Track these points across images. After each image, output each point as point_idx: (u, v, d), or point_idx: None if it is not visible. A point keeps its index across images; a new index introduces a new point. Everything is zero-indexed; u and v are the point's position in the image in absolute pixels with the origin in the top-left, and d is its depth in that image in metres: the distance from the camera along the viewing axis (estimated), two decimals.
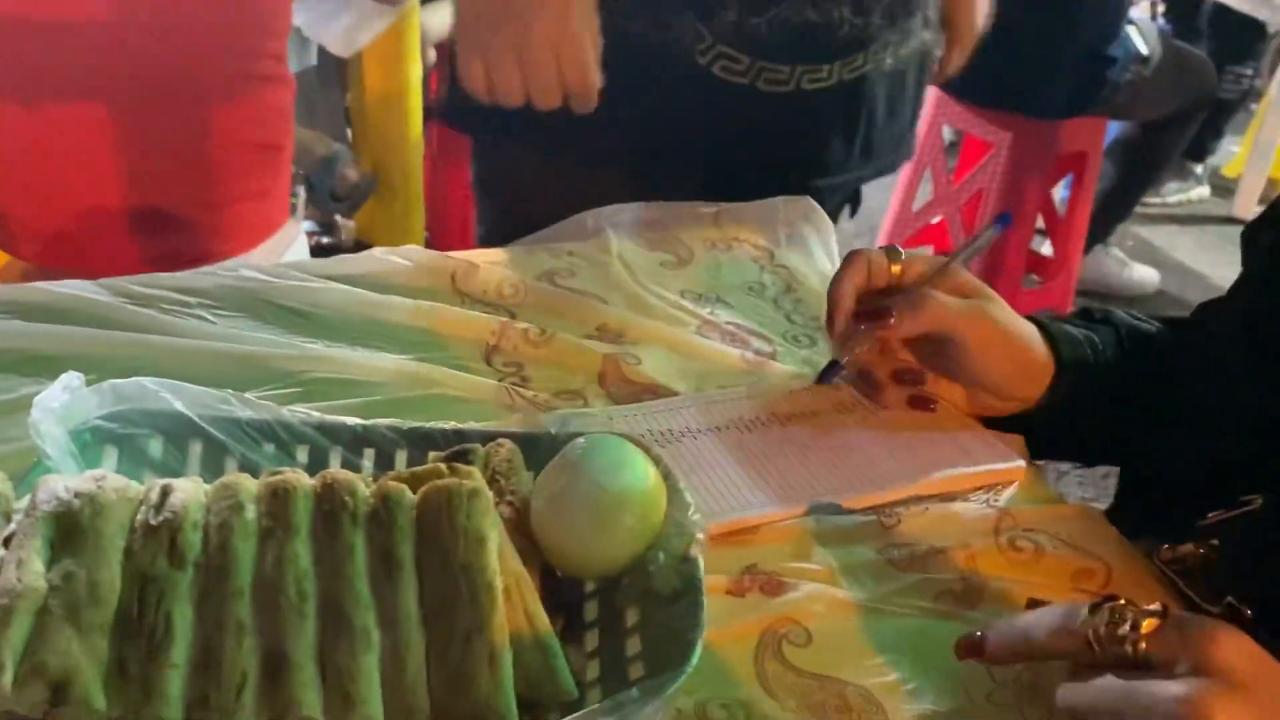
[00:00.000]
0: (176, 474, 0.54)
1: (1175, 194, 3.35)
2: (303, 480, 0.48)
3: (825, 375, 0.73)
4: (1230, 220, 3.37)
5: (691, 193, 0.94)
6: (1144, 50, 2.21)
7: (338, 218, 2.68)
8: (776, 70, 0.94)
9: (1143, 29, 2.25)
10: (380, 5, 1.79)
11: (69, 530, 0.44)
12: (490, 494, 0.49)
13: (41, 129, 1.18)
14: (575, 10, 0.82)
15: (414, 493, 0.49)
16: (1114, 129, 2.57)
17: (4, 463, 0.53)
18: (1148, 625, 0.45)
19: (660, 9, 0.91)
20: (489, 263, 0.84)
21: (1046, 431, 0.71)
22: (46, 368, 0.65)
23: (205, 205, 1.32)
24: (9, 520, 0.46)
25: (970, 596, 0.58)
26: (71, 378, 0.53)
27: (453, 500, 0.47)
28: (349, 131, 2.38)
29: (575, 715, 0.41)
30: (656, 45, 0.91)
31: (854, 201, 1.15)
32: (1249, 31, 2.66)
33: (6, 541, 0.45)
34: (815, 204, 0.93)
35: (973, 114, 2.41)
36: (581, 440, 0.52)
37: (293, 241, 1.51)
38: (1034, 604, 0.52)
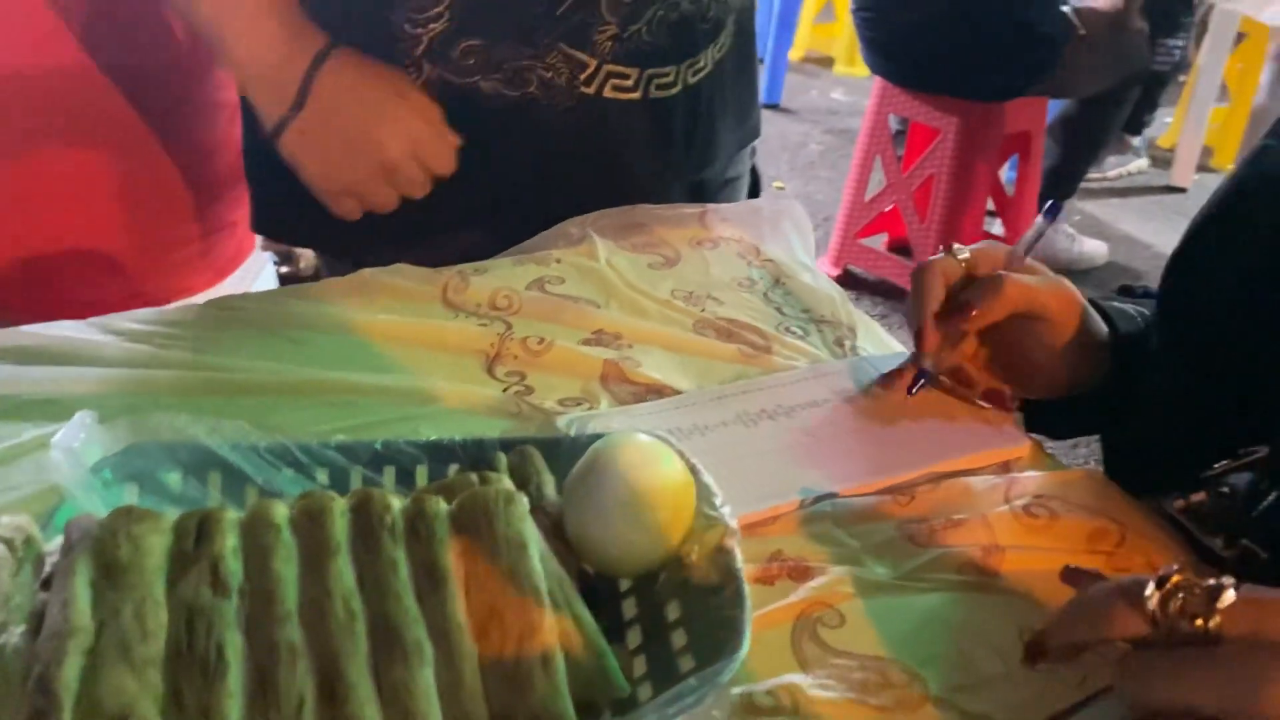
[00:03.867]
0: (198, 505, 0.54)
1: (1115, 167, 3.42)
2: (336, 500, 0.48)
3: (913, 386, 0.70)
4: (1170, 189, 3.45)
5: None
6: (1081, 28, 2.26)
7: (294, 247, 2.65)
8: (664, 73, 0.90)
9: (1078, 6, 2.30)
10: None
11: (109, 567, 0.43)
12: (525, 499, 0.49)
13: None
14: (413, 111, 0.84)
15: (447, 504, 0.49)
16: (1054, 107, 2.63)
17: (18, 507, 0.52)
18: (1224, 600, 0.42)
19: (519, 53, 0.85)
20: (479, 275, 0.84)
21: (1083, 406, 0.71)
22: (47, 411, 0.65)
23: (170, 243, 1.30)
24: (42, 563, 0.45)
25: (993, 564, 0.60)
26: (85, 416, 0.53)
27: (490, 508, 0.48)
28: None
29: (640, 709, 0.41)
30: (525, 97, 0.86)
31: (754, 184, 1.10)
32: (1178, 4, 2.73)
33: (45, 584, 0.44)
34: (796, 204, 0.94)
35: (917, 101, 2.45)
36: (607, 439, 0.53)
37: (260, 271, 1.49)
38: (1072, 573, 0.52)
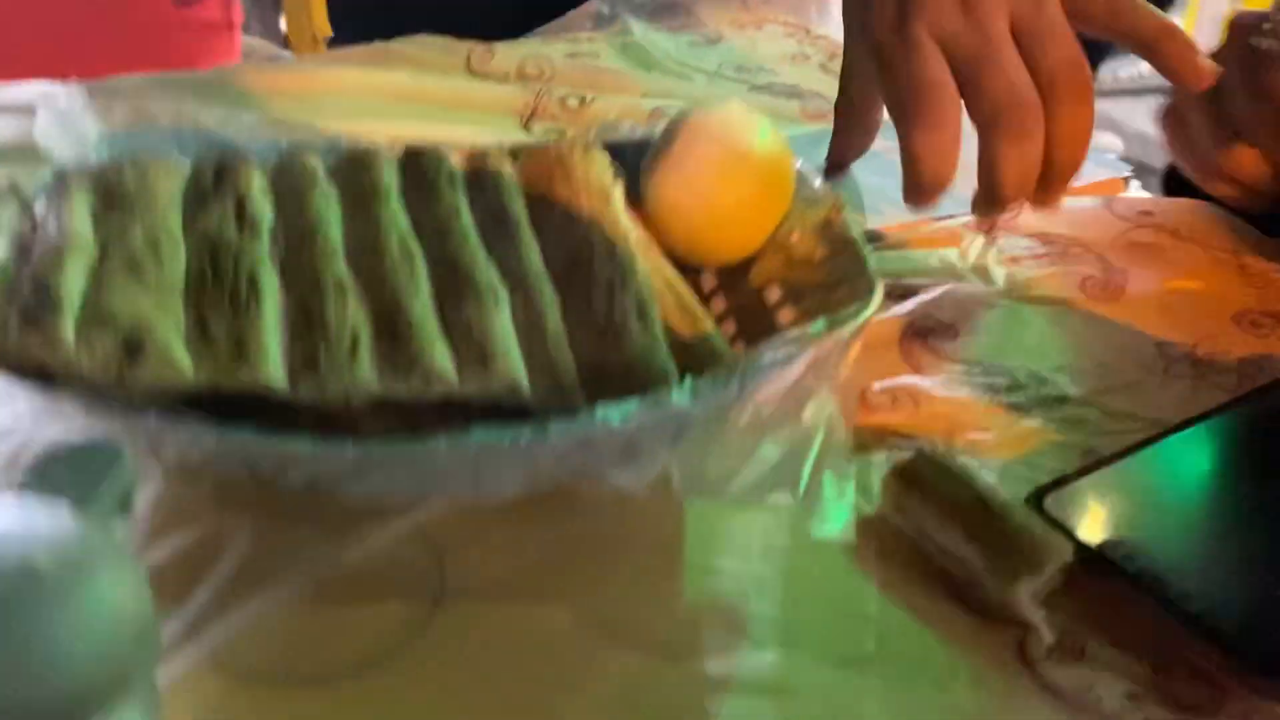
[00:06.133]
0: None
1: (1127, 69, 3.34)
2: (383, 150, 0.40)
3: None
4: None
5: None
6: None
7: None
8: None
9: None
10: None
11: (112, 194, 0.35)
12: (604, 152, 0.41)
13: None
14: None
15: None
16: None
17: None
18: None
19: None
20: (506, 46, 0.76)
21: None
22: None
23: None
24: (31, 210, 0.38)
25: (1116, 283, 0.53)
26: (73, 89, 0.45)
27: (565, 159, 0.40)
28: None
29: (768, 343, 0.34)
30: None
31: None
32: None
33: (33, 227, 0.36)
34: None
35: None
36: (694, 108, 0.45)
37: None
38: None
